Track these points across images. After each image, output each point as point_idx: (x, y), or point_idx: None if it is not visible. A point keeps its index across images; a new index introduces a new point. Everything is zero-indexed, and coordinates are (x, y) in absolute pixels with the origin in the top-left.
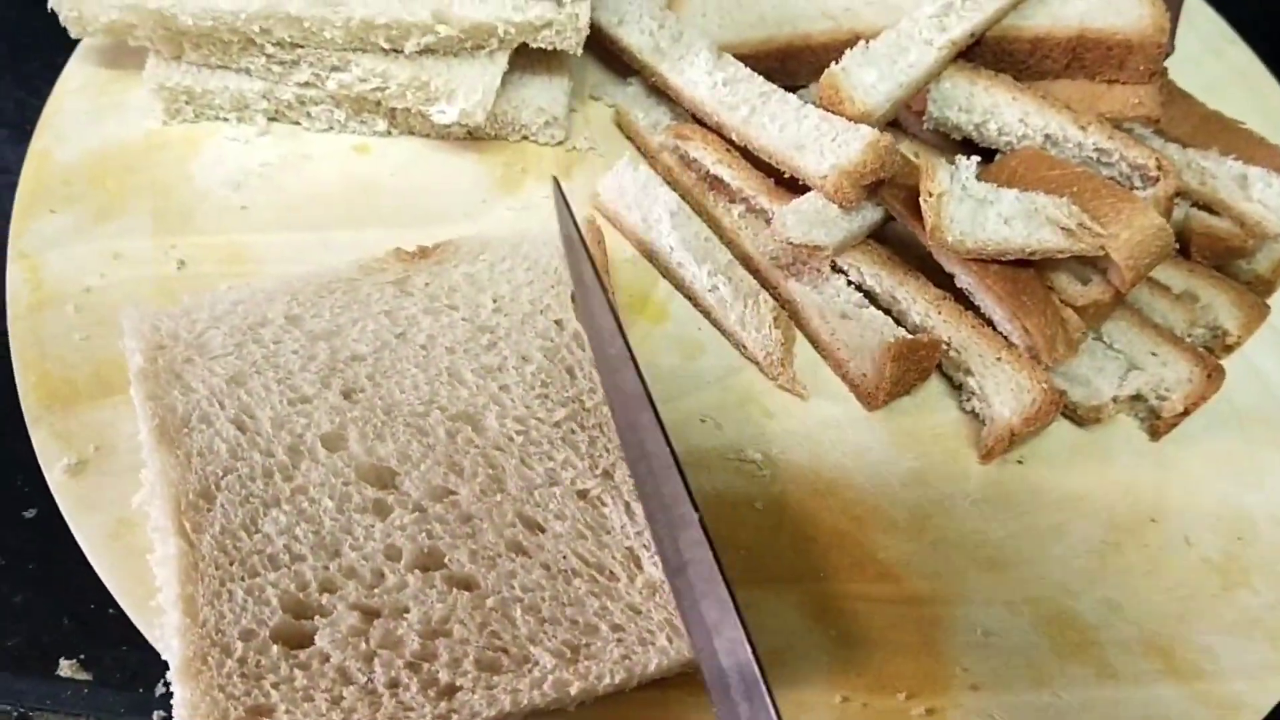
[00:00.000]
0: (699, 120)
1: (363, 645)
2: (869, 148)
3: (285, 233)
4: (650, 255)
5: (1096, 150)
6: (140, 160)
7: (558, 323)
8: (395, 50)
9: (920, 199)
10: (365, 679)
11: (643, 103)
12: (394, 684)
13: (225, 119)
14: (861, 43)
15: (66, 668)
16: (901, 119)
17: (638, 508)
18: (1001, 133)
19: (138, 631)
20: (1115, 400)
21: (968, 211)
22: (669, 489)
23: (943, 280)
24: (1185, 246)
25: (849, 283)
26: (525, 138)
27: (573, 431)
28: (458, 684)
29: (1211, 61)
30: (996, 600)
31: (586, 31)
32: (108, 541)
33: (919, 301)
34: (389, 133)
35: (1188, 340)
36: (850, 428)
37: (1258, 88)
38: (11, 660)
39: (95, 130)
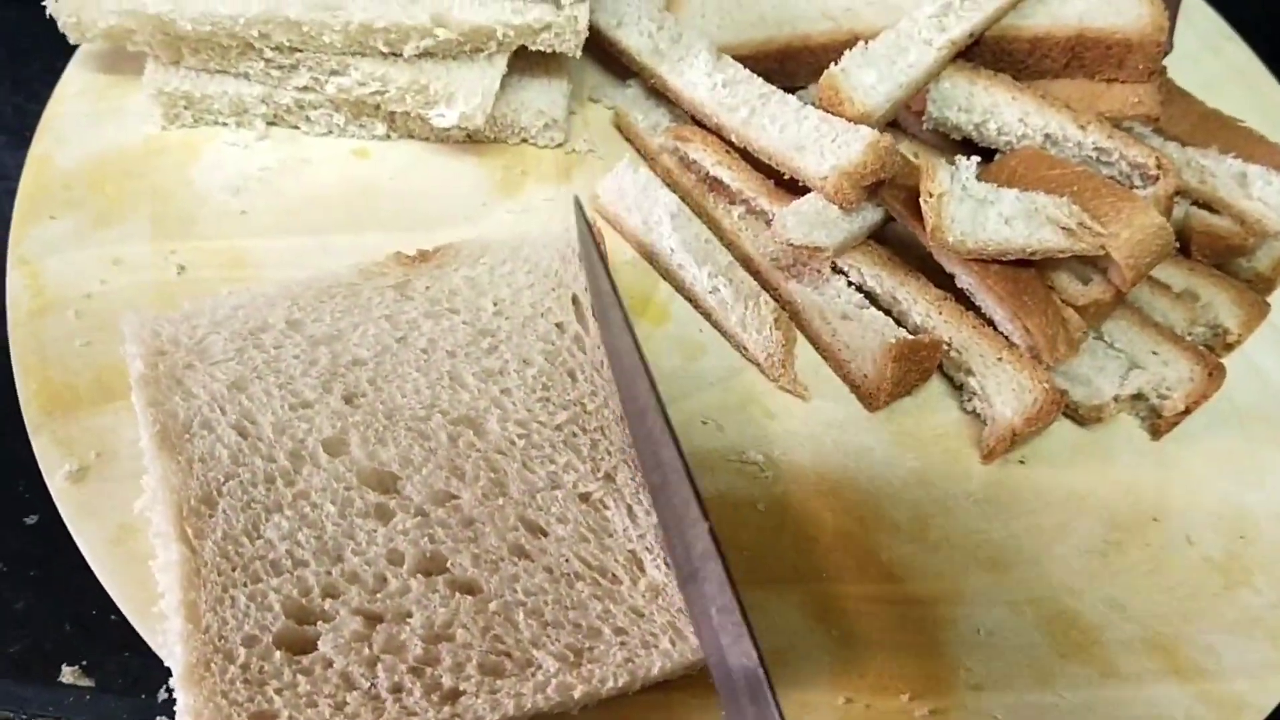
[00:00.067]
0: (698, 122)
1: (366, 650)
2: (869, 148)
3: (285, 237)
4: (651, 257)
5: (1096, 149)
6: (140, 165)
7: (559, 326)
8: (394, 54)
9: (920, 199)
10: (368, 684)
11: (642, 105)
12: (397, 689)
13: (224, 124)
14: (861, 43)
15: (69, 674)
16: (901, 119)
17: (640, 510)
18: (1001, 132)
19: (140, 637)
20: (1116, 399)
21: (968, 212)
22: (680, 495)
23: (943, 281)
24: (1185, 245)
25: (850, 284)
26: (525, 140)
27: (574, 434)
28: (461, 688)
29: (1210, 59)
30: (999, 600)
31: (585, 34)
32: (109, 548)
33: (920, 302)
34: (388, 136)
35: (1188, 339)
36: (852, 428)
37: (1256, 85)
38: (14, 666)
39: (94, 136)
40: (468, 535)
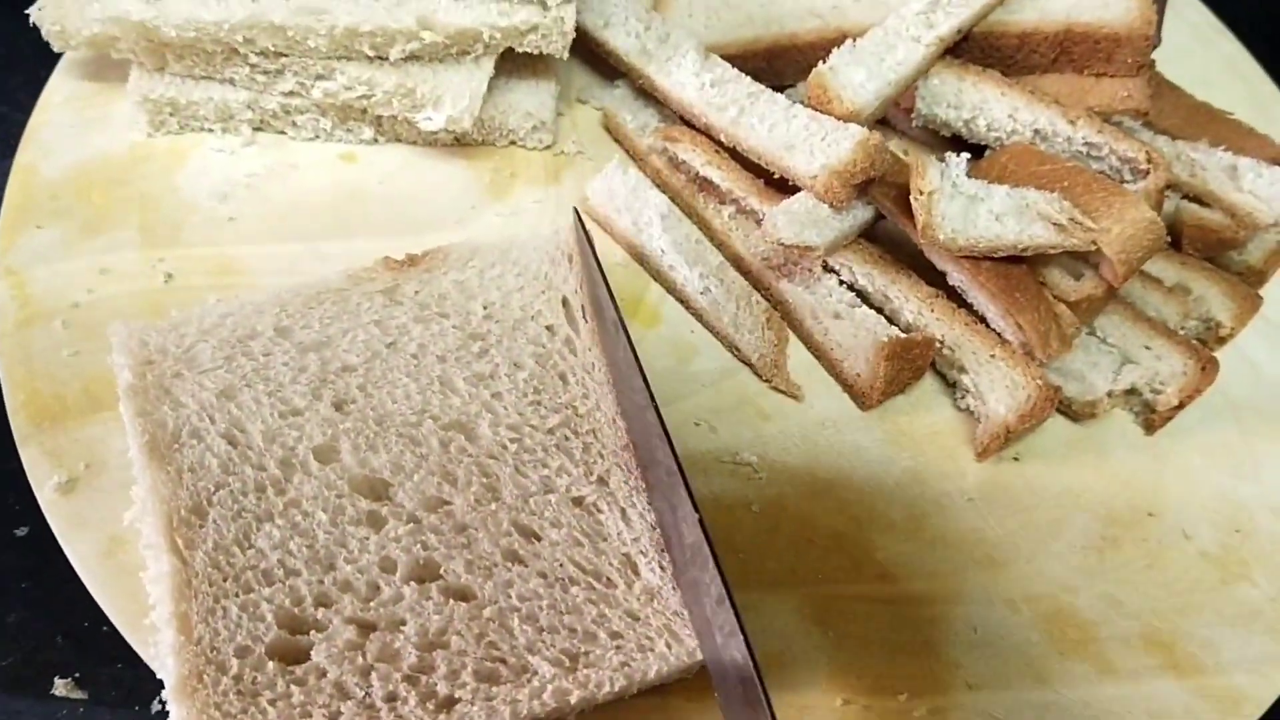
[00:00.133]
0: (687, 122)
1: (360, 659)
2: (858, 147)
3: (273, 244)
4: (641, 258)
5: (1086, 144)
6: (126, 173)
7: (549, 328)
8: (380, 57)
9: (911, 197)
10: (363, 693)
11: (630, 105)
12: (392, 697)
13: (210, 130)
14: (849, 41)
15: (61, 686)
16: (890, 117)
17: (634, 514)
18: (991, 128)
19: (132, 649)
20: (1110, 395)
21: (959, 209)
22: (675, 496)
23: (935, 278)
24: (1176, 239)
25: (841, 282)
26: (513, 143)
27: (566, 438)
28: (456, 696)
29: (1199, 52)
30: (996, 598)
31: (572, 35)
32: (100, 560)
33: (911, 300)
34: (376, 140)
35: (1181, 333)
36: (845, 428)
37: (1246, 77)
38: (6, 680)
39: (80, 144)
40: (461, 541)
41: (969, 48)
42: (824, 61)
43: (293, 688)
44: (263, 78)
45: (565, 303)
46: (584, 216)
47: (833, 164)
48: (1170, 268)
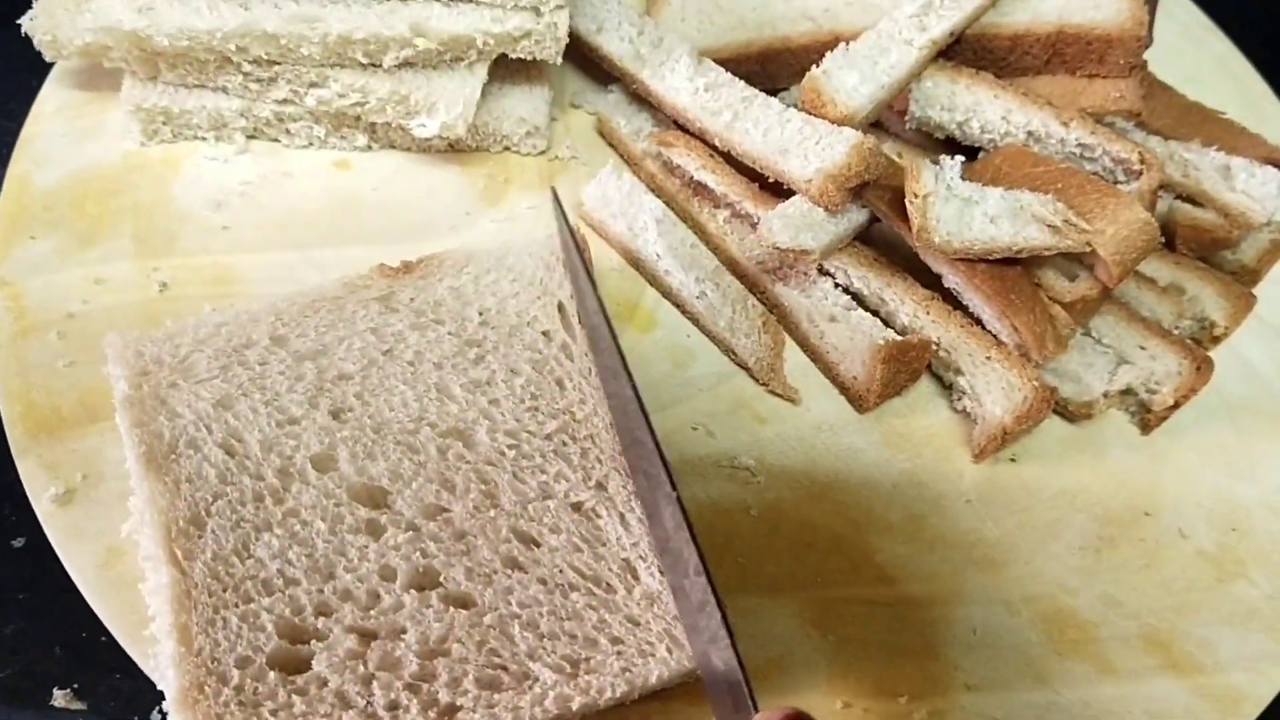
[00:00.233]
0: (681, 126)
1: (361, 668)
2: (853, 150)
3: (268, 252)
4: (636, 263)
5: (1079, 146)
6: (120, 183)
7: (545, 334)
8: (374, 65)
9: (906, 200)
10: (364, 702)
11: (624, 110)
12: (394, 706)
13: (203, 138)
14: (842, 45)
15: (60, 698)
16: (884, 120)
17: (632, 519)
18: (984, 131)
19: (131, 659)
20: (1106, 395)
21: (953, 211)
22: (661, 496)
23: (930, 280)
24: (1170, 239)
25: (836, 285)
26: (507, 149)
27: (564, 444)
28: (458, 704)
29: (1190, 51)
30: (994, 600)
31: (565, 41)
32: (98, 571)
33: (907, 302)
34: (370, 148)
35: (1176, 333)
36: (842, 431)
37: (1237, 75)
38: (5, 692)
39: (73, 154)
40: (460, 548)
41: (962, 50)
42: (817, 65)
43: (294, 698)
44: (256, 86)
45: (561, 308)
46: (573, 218)
47: (827, 168)
48: (1164, 268)
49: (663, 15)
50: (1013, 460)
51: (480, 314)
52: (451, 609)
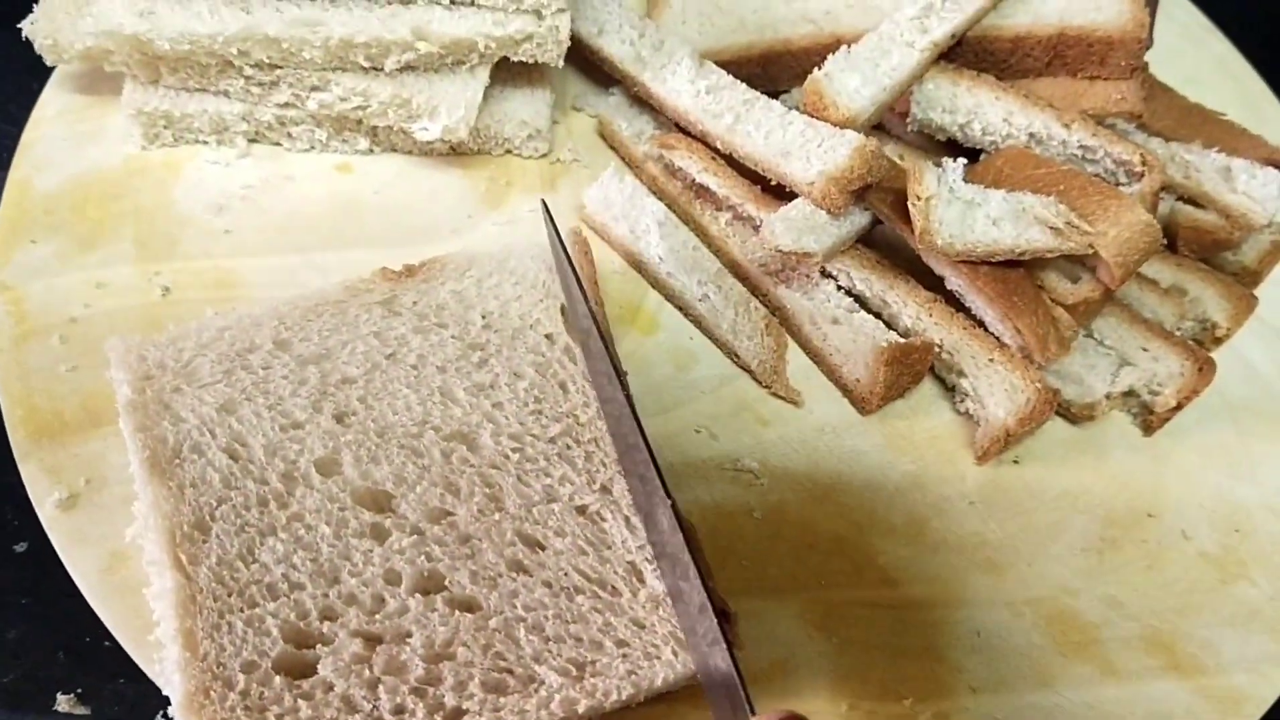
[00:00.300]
0: (683, 129)
1: (366, 672)
2: (855, 153)
3: (270, 256)
4: (639, 266)
5: (1081, 147)
6: (121, 187)
7: (548, 337)
8: (375, 68)
9: (908, 203)
10: (370, 706)
11: (626, 113)
12: (399, 710)
13: (205, 142)
14: (843, 47)
15: (64, 702)
16: (886, 122)
17: (637, 521)
18: (986, 133)
19: (135, 664)
20: (1108, 397)
21: (956, 214)
22: (656, 501)
23: (933, 283)
24: (1172, 240)
25: (839, 288)
26: (509, 151)
27: (568, 447)
28: (464, 707)
29: (1191, 53)
30: (997, 602)
31: (567, 44)
32: (102, 576)
33: (910, 305)
34: (371, 151)
35: (1178, 334)
36: (845, 433)
37: (1237, 76)
38: (9, 697)
39: (74, 158)
40: (465, 552)
41: (963, 52)
42: (819, 68)
43: (300, 702)
44: (257, 89)
45: (563, 311)
46: (576, 220)
47: (830, 170)
48: (1166, 269)
49: (664, 18)
50: (1015, 462)
51: (483, 317)
52: (456, 613)
